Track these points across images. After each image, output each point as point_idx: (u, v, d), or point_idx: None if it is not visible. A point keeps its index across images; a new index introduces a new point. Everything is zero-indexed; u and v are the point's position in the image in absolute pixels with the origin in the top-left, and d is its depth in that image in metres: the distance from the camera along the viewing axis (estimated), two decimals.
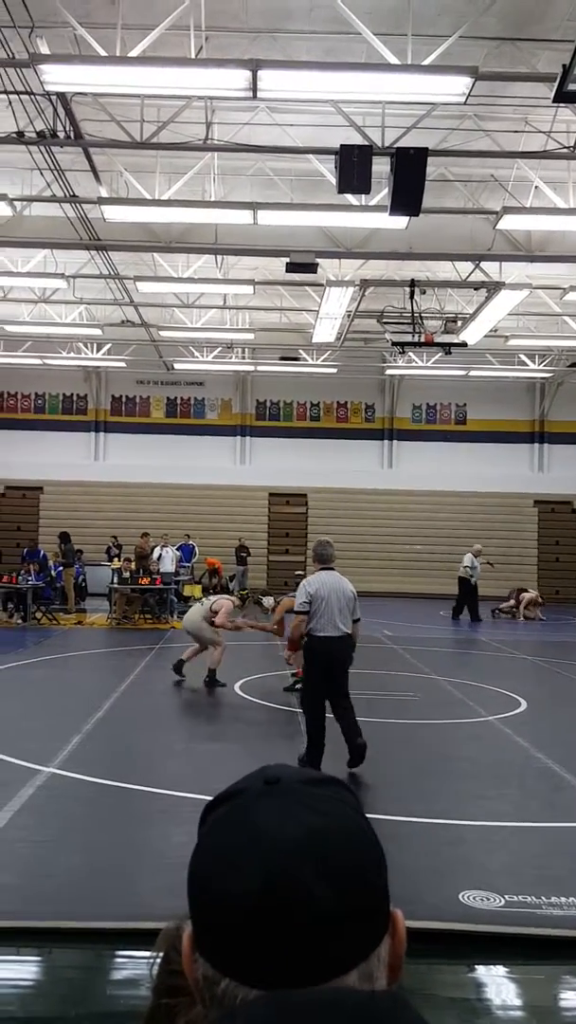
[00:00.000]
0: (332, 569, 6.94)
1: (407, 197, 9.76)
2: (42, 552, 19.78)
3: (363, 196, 11.12)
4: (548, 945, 4.04)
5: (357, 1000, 0.63)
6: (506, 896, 4.38)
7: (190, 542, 23.53)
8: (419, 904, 4.15)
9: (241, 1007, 0.64)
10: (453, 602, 20.16)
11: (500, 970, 3.97)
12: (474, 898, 4.37)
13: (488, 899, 4.36)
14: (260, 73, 8.11)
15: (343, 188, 9.92)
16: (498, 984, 3.90)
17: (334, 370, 23.91)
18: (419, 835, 5.36)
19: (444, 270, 16.61)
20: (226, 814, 0.70)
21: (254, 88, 8.21)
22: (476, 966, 3.95)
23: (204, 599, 10.11)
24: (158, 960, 0.90)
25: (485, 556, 20.73)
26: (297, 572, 26.39)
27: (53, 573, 19.18)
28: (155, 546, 20.05)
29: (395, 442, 27.36)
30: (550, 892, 4.42)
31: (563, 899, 4.35)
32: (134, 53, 8.41)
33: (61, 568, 19.33)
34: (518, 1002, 3.79)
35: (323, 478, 26.31)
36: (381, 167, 9.93)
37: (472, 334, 17.33)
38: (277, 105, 11.28)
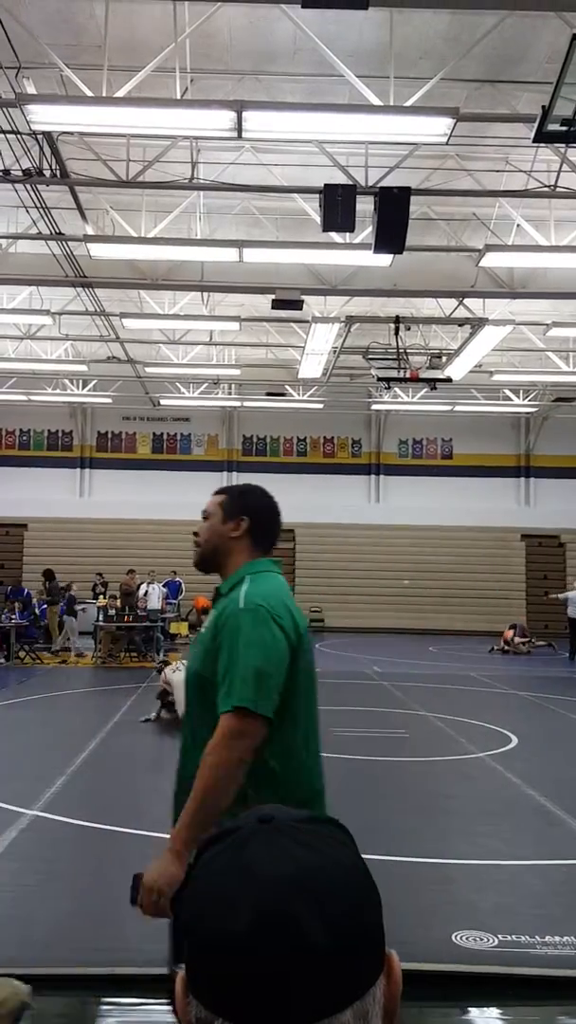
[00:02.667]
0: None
1: (391, 235, 9.89)
2: (26, 590, 19.61)
3: (348, 234, 11.26)
4: (543, 985, 3.95)
5: None
6: (499, 936, 4.29)
7: (177, 579, 23.40)
8: (411, 945, 4.04)
9: None
10: (444, 637, 20.19)
11: (494, 1012, 3.88)
12: (467, 938, 4.27)
13: (481, 939, 4.26)
14: (245, 114, 8.25)
15: (328, 226, 10.05)
16: None
17: (320, 405, 24.05)
18: (410, 875, 5.25)
19: (428, 307, 16.81)
20: (218, 853, 0.69)
21: (239, 128, 8.34)
22: (470, 1008, 3.86)
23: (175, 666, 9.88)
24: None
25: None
26: None
27: (37, 611, 19.00)
28: (141, 583, 19.93)
29: (382, 477, 27.47)
30: (544, 931, 4.33)
31: (558, 938, 4.26)
32: (120, 94, 8.53)
33: (45, 606, 19.15)
34: None
35: (310, 513, 26.31)
36: (365, 206, 10.07)
37: (457, 370, 17.50)
38: (262, 145, 11.46)
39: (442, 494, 26.71)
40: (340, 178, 10.11)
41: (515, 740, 9.51)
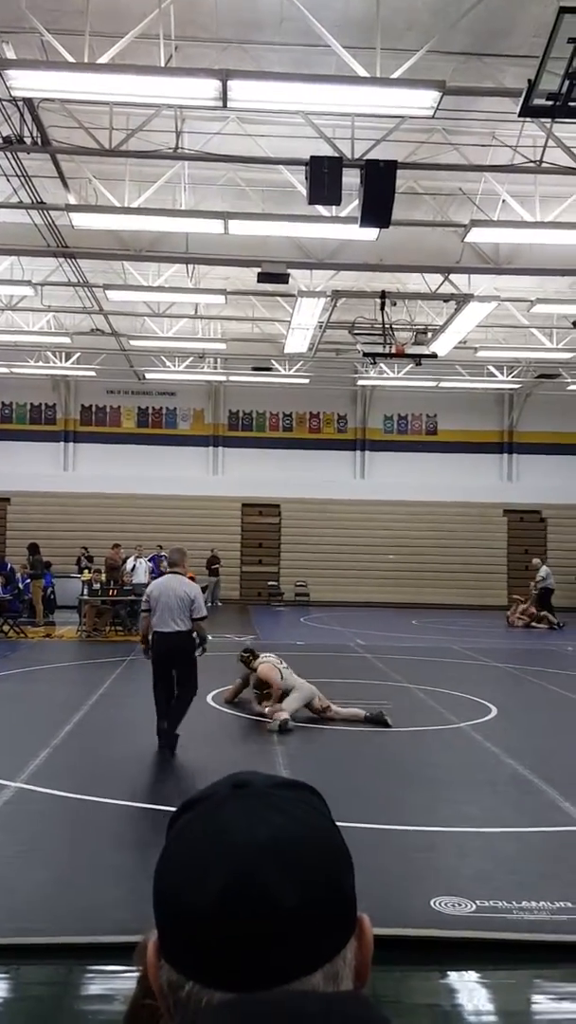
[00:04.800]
0: (177, 573, 7.79)
1: (377, 209, 9.84)
2: (9, 565, 19.55)
3: (334, 207, 11.19)
4: (519, 949, 4.05)
5: (320, 1002, 0.63)
6: (477, 901, 4.38)
7: (163, 553, 23.40)
8: (390, 911, 4.13)
9: (205, 1011, 0.64)
10: (427, 610, 20.38)
11: (472, 976, 3.97)
12: (445, 904, 4.36)
13: (459, 905, 4.36)
14: (230, 83, 8.15)
15: (314, 199, 9.98)
16: (470, 990, 3.90)
17: (306, 380, 23.99)
18: (390, 842, 5.35)
19: (414, 282, 16.76)
20: (193, 818, 0.70)
21: (224, 98, 8.25)
22: (448, 972, 3.94)
23: (277, 661, 9.06)
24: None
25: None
26: (270, 583, 26.58)
27: (20, 586, 18.96)
28: (127, 557, 19.92)
29: (367, 452, 27.51)
30: (521, 897, 4.43)
31: (534, 903, 4.36)
32: (103, 60, 8.40)
33: (29, 580, 19.11)
34: (490, 1007, 3.79)
35: (296, 488, 26.36)
36: (351, 179, 10.00)
37: (442, 346, 17.49)
38: (247, 115, 11.33)
39: (426, 470, 26.80)
40: (326, 150, 10.03)
41: (495, 711, 9.65)
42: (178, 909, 0.66)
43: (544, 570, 21.33)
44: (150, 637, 7.61)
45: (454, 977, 3.93)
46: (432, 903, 4.36)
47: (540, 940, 4.06)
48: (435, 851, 5.30)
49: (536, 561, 21.98)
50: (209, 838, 0.67)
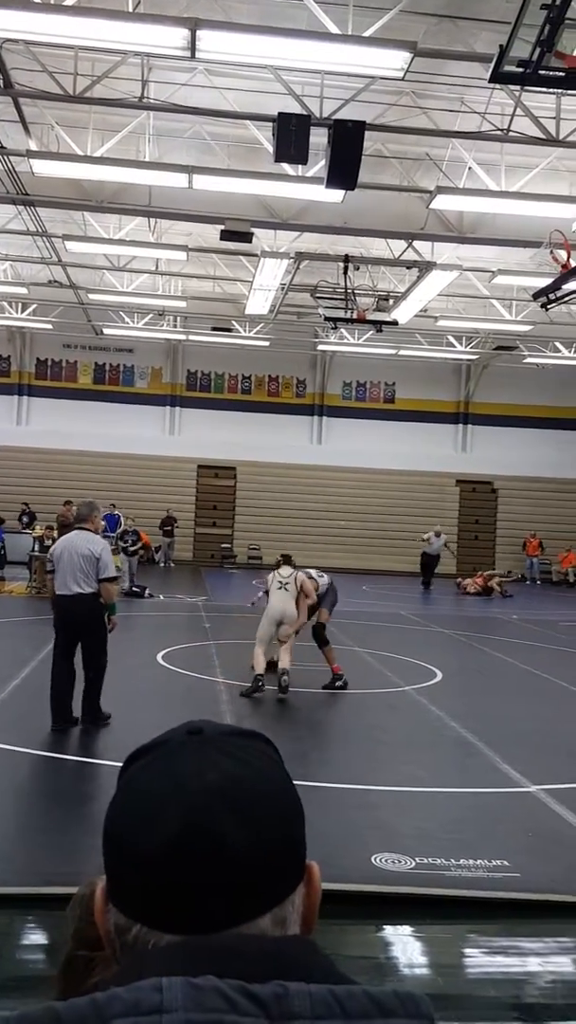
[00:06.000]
0: (85, 529, 6.93)
1: (344, 170, 9.73)
2: None
3: (300, 167, 11.04)
4: (456, 905, 4.18)
5: (267, 945, 0.65)
6: (416, 859, 4.50)
7: (116, 512, 23.22)
8: (331, 867, 4.22)
9: (151, 952, 0.65)
10: (377, 576, 20.61)
11: (408, 930, 4.09)
12: (385, 861, 4.48)
13: (399, 862, 4.47)
14: (199, 33, 7.94)
15: (280, 157, 9.82)
16: (405, 943, 4.02)
17: (266, 343, 23.82)
18: (334, 800, 5.46)
19: (378, 247, 16.66)
20: (146, 764, 0.70)
21: (192, 48, 8.04)
22: (385, 926, 4.05)
23: (275, 577, 8.59)
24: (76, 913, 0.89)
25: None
26: (224, 545, 26.57)
27: None
28: None
29: (325, 418, 27.50)
30: (459, 855, 4.56)
31: (472, 861, 4.50)
32: (69, 2, 8.12)
33: None
34: (424, 960, 3.92)
35: (253, 452, 26.27)
36: (319, 138, 9.86)
37: (403, 313, 17.47)
38: (215, 67, 11.08)
39: (382, 438, 26.91)
40: (294, 107, 9.86)
41: (440, 675, 9.85)
42: (129, 853, 0.67)
43: (430, 536, 21.63)
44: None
45: (391, 931, 4.04)
46: (373, 859, 4.47)
47: (476, 897, 4.19)
48: (377, 810, 5.42)
49: (432, 533, 22.09)
50: (162, 783, 0.68)
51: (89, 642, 6.78)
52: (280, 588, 8.53)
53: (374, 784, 5.85)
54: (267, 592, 8.68)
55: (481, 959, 3.95)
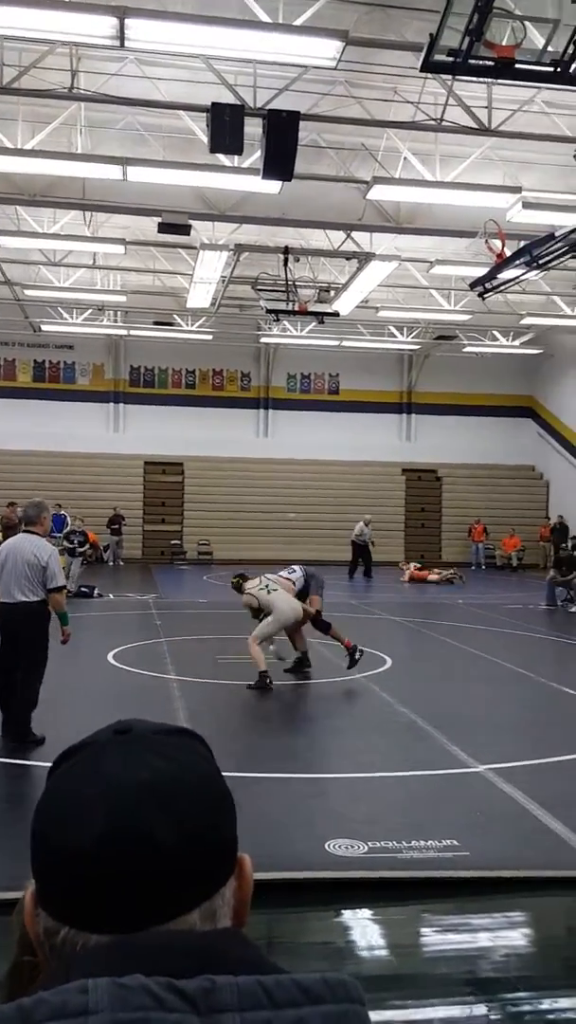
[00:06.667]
0: (32, 532, 6.49)
1: (279, 161, 9.71)
2: None
3: (236, 157, 10.99)
4: (409, 886, 4.23)
5: (195, 940, 0.64)
6: (369, 843, 4.54)
7: (62, 512, 22.90)
8: (286, 856, 4.24)
9: (79, 955, 0.64)
10: (327, 567, 20.66)
11: (365, 913, 4.12)
12: (338, 847, 4.50)
13: (352, 847, 4.51)
14: (128, 21, 7.85)
15: (215, 147, 9.77)
16: (363, 927, 4.06)
17: (209, 337, 23.70)
18: (287, 789, 5.47)
19: (317, 238, 16.69)
20: (74, 764, 0.70)
21: (121, 37, 7.95)
22: (342, 911, 4.08)
23: (259, 583, 8.65)
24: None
25: (374, 524, 22.03)
26: (173, 542, 26.40)
27: None
28: None
29: (271, 411, 27.50)
30: (411, 837, 4.61)
31: (422, 843, 4.55)
32: None
33: None
34: (381, 942, 3.95)
35: (199, 447, 26.15)
36: (254, 129, 9.83)
37: (344, 304, 17.54)
38: (146, 57, 10.95)
39: (328, 429, 27.02)
40: (228, 97, 9.81)
41: (389, 662, 9.94)
42: (56, 853, 0.66)
43: (360, 527, 21.92)
44: None
45: (348, 915, 4.07)
46: (326, 846, 4.49)
47: (428, 877, 4.25)
48: (330, 797, 5.45)
49: (361, 523, 22.38)
50: (89, 781, 0.67)
51: (26, 651, 6.33)
52: (269, 591, 8.65)
53: (326, 772, 5.88)
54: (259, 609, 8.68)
55: (434, 938, 4.00)
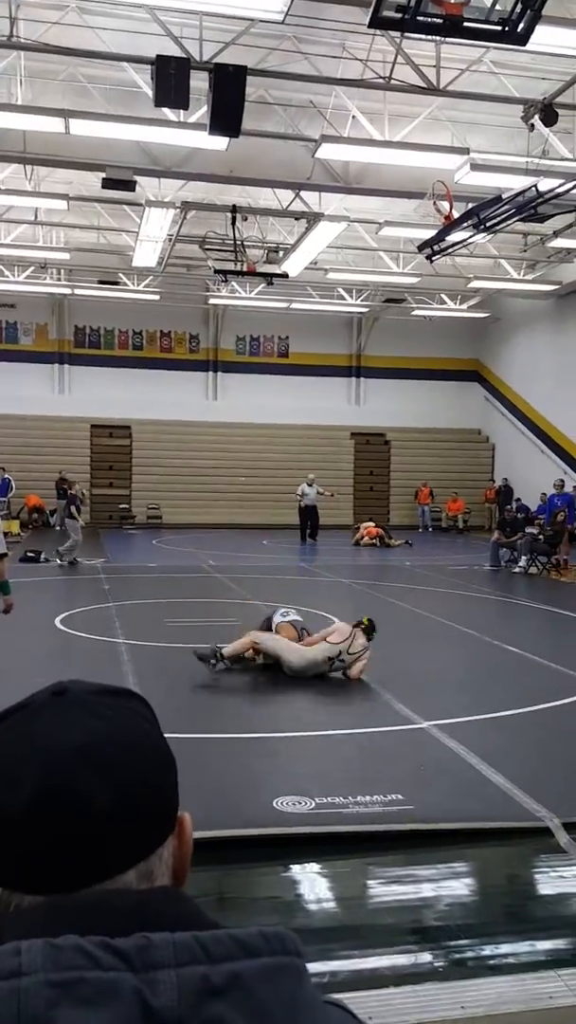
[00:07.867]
0: None
1: (226, 116, 9.54)
2: None
3: (181, 112, 10.74)
4: (355, 840, 4.33)
5: (131, 898, 0.65)
6: (316, 799, 4.63)
7: (6, 476, 22.51)
8: (235, 813, 4.30)
9: (12, 915, 0.64)
10: (277, 531, 20.77)
11: (312, 867, 4.21)
12: (286, 803, 4.58)
13: (299, 803, 4.59)
14: None
15: (160, 101, 9.54)
16: (311, 880, 4.14)
17: (156, 297, 23.31)
18: (237, 750, 5.53)
19: (265, 198, 16.47)
20: (7, 727, 0.69)
21: None
22: (291, 866, 4.16)
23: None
24: None
25: (323, 487, 21.81)
26: (122, 506, 26.16)
27: None
28: None
29: (219, 374, 27.25)
30: (356, 792, 4.71)
31: (367, 797, 4.65)
32: None
33: None
34: (329, 895, 4.04)
35: (147, 409, 25.85)
36: (200, 83, 9.60)
37: (293, 265, 17.40)
38: (89, 6, 10.59)
39: (278, 392, 26.92)
40: (173, 50, 9.56)
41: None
42: None
43: (303, 487, 21.70)
44: None
45: (296, 870, 4.15)
46: (274, 803, 4.56)
47: (373, 831, 4.35)
48: (279, 755, 5.53)
49: (304, 484, 22.26)
50: (23, 744, 0.67)
51: None
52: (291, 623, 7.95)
53: (275, 731, 5.95)
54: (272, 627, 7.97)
55: (380, 889, 4.11)
